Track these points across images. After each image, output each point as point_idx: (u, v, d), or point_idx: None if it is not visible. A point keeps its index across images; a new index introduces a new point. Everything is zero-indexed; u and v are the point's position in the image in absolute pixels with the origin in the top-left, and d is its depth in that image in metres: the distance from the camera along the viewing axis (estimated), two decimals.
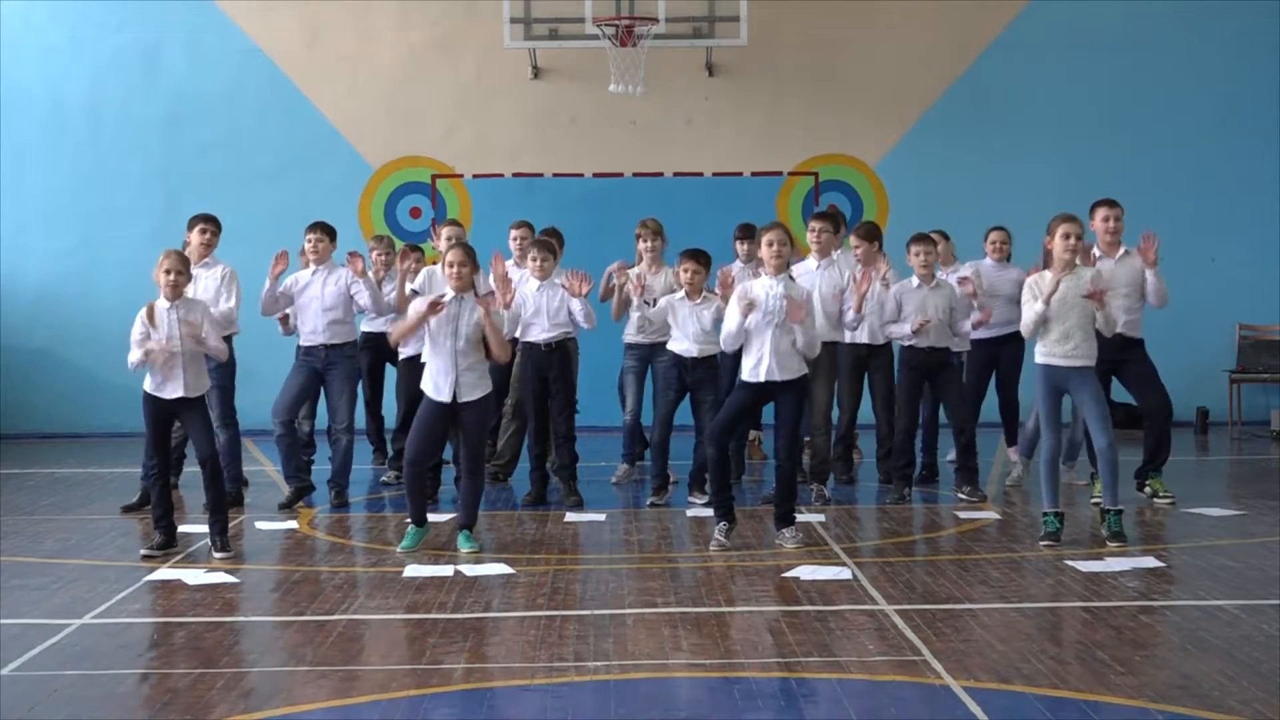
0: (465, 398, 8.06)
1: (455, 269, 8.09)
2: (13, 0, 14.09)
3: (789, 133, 14.23)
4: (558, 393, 9.63)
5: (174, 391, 7.97)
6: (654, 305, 9.72)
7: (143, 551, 8.05)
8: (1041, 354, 8.09)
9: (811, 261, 9.68)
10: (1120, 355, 8.86)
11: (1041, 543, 8.04)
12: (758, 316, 8.01)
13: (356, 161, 14.19)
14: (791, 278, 8.29)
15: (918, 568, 7.61)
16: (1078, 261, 8.11)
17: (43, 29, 14.15)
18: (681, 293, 9.45)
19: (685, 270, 9.38)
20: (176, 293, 8.02)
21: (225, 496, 8.26)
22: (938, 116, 14.27)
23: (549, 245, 9.74)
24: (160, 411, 8.03)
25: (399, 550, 8.03)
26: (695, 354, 9.45)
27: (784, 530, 8.14)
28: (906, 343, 9.57)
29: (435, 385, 8.10)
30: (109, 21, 14.17)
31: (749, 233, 10.26)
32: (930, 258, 9.58)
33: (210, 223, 9.64)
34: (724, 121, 14.26)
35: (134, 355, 7.95)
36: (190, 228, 9.64)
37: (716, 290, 9.25)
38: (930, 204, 13.34)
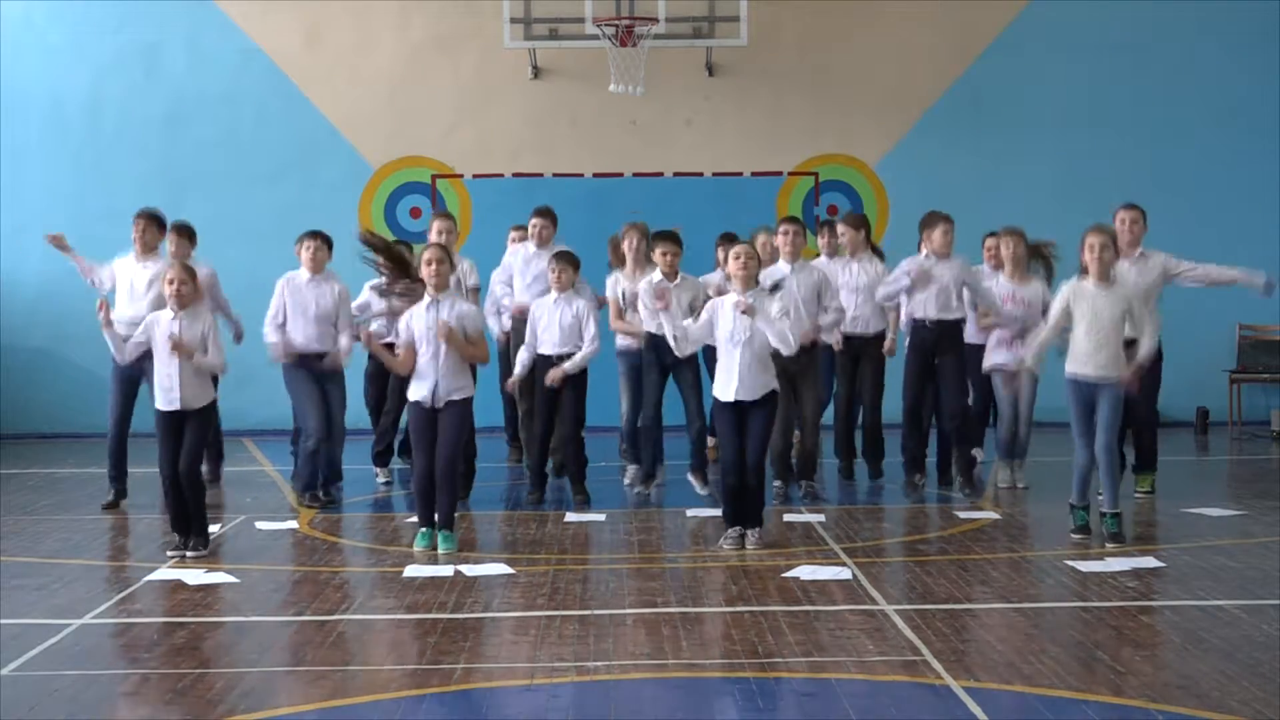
0: (444, 399, 8.03)
1: (434, 267, 8.02)
2: (13, 0, 14.09)
3: (789, 133, 14.22)
4: (568, 402, 9.55)
5: (170, 404, 7.96)
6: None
7: (169, 554, 7.98)
8: (1072, 367, 8.04)
9: (784, 265, 9.57)
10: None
11: (1073, 535, 8.15)
12: (730, 328, 7.91)
13: (356, 161, 14.18)
14: (760, 284, 8.15)
15: (918, 568, 7.61)
16: (1111, 271, 8.15)
17: (43, 29, 14.15)
18: (658, 275, 9.44)
19: (663, 254, 9.40)
20: (182, 303, 7.99)
21: (196, 507, 8.05)
22: (938, 116, 14.26)
23: (570, 257, 9.56)
24: (167, 424, 7.99)
25: (440, 552, 7.95)
26: None
27: (749, 530, 8.04)
28: (917, 315, 9.61)
29: (418, 389, 8.07)
30: (109, 21, 14.16)
31: (733, 240, 10.22)
32: (948, 235, 9.70)
33: (150, 220, 9.41)
34: (724, 121, 14.25)
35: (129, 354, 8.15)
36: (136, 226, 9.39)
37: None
38: (930, 204, 13.09)
